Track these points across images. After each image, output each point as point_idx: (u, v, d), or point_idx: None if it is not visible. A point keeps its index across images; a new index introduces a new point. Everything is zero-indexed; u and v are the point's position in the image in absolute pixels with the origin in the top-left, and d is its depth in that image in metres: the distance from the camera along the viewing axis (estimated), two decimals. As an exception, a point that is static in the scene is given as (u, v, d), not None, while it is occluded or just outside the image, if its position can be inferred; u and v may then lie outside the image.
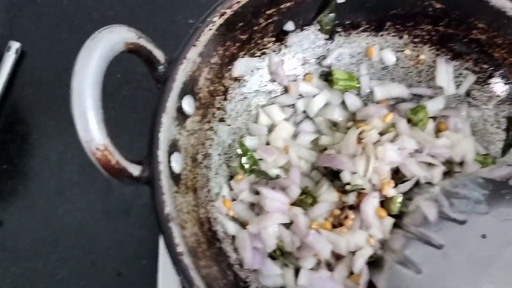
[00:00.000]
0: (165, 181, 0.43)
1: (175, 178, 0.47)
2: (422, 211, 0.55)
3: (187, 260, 0.41)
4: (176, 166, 0.47)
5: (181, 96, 0.48)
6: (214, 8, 0.50)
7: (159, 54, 0.46)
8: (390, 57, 0.64)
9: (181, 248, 0.41)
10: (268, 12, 0.56)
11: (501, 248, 0.49)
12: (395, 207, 0.56)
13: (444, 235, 0.53)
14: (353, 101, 0.63)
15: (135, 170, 0.42)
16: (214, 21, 0.50)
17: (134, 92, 0.83)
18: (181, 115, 0.49)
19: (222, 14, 0.50)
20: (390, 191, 0.56)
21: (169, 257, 0.42)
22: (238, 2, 0.51)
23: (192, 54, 0.48)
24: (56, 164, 0.79)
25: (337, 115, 0.62)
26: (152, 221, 0.73)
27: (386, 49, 0.64)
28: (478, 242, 0.51)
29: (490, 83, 0.62)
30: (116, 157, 0.40)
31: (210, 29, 0.50)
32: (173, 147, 0.47)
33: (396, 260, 0.53)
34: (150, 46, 0.45)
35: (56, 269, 0.73)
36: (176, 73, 0.46)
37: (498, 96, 0.62)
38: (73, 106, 0.38)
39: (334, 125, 0.63)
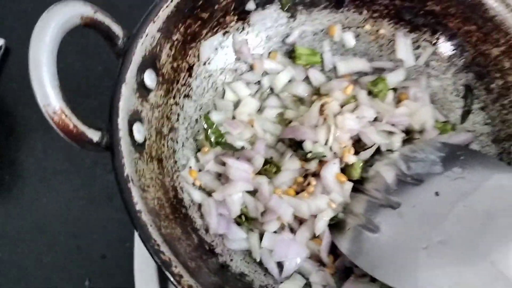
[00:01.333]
0: (124, 146, 0.46)
1: (137, 146, 0.49)
2: (381, 175, 0.57)
3: (145, 217, 0.44)
4: (139, 136, 0.49)
5: (141, 69, 0.50)
6: (172, -15, 0.53)
7: (117, 29, 0.49)
8: (350, 40, 0.67)
9: (139, 206, 0.44)
10: (228, -10, 0.59)
11: (453, 204, 0.51)
12: (356, 173, 0.58)
13: (401, 196, 0.55)
14: (317, 76, 0.66)
15: (94, 135, 0.45)
16: (172, -2, 0.53)
17: (96, 64, 0.86)
18: (143, 89, 0.51)
19: (180, -9, 0.53)
20: (350, 158, 0.58)
21: (128, 215, 0.44)
22: (195, -20, 0.54)
23: (151, 29, 0.51)
24: (41, 154, 0.82)
25: (302, 90, 0.65)
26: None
27: (347, 32, 0.67)
28: (432, 200, 0.53)
29: (447, 53, 0.64)
30: (74, 122, 0.43)
31: (168, 6, 0.52)
32: (135, 117, 0.49)
33: (357, 223, 0.55)
34: (107, 20, 0.47)
35: (42, 254, 0.75)
36: (135, 47, 0.49)
37: (456, 65, 0.64)
38: (31, 73, 0.41)
39: (299, 99, 0.66)
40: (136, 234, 0.65)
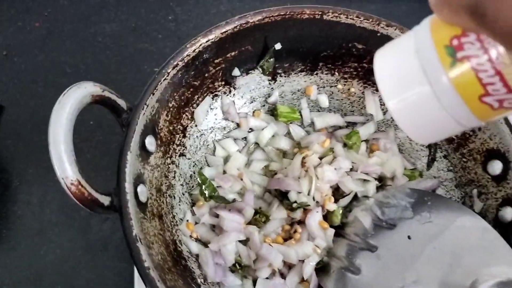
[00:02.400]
0: (132, 208, 0.51)
1: (142, 206, 0.54)
2: (359, 220, 0.64)
3: (153, 273, 0.49)
4: (142, 196, 0.55)
5: (143, 136, 0.56)
6: (168, 61, 0.60)
7: (122, 103, 0.55)
8: (324, 101, 0.75)
9: (147, 263, 0.49)
10: (216, 61, 0.66)
11: (423, 246, 0.58)
12: (337, 219, 0.65)
13: (378, 239, 0.62)
14: (297, 131, 0.73)
15: (105, 200, 0.50)
16: (169, 72, 0.59)
17: (106, 136, 0.91)
18: (145, 153, 0.57)
19: (175, 66, 0.60)
20: (331, 205, 0.65)
21: (138, 272, 0.49)
22: (188, 55, 0.61)
23: (151, 101, 0.57)
24: (37, 207, 0.85)
25: (284, 144, 0.72)
26: (128, 253, 0.80)
27: (321, 94, 0.75)
28: (405, 243, 0.60)
29: (411, 108, 0.73)
30: (88, 190, 0.48)
31: (165, 79, 0.59)
32: (139, 180, 0.55)
33: (340, 265, 0.61)
34: (113, 96, 0.54)
35: (40, 307, 0.78)
36: (137, 117, 0.55)
37: (419, 118, 0.72)
38: (51, 151, 0.47)
39: (282, 152, 0.73)
40: (135, 282, 0.69)
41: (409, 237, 0.60)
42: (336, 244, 0.64)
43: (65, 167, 0.46)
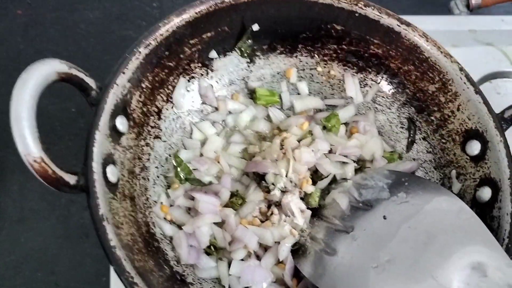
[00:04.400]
0: (99, 188, 0.50)
1: (111, 186, 0.54)
2: (336, 202, 0.63)
3: (119, 252, 0.48)
4: (112, 177, 0.54)
5: (113, 116, 0.55)
6: (140, 39, 0.59)
7: (90, 81, 0.54)
8: (304, 88, 0.74)
9: (114, 242, 0.48)
10: (192, 41, 0.65)
11: (398, 226, 0.58)
12: (314, 201, 0.64)
13: (354, 221, 0.61)
14: (276, 114, 0.72)
15: (71, 179, 0.50)
16: (140, 51, 0.58)
17: (88, 124, 0.89)
18: (116, 133, 0.56)
19: (147, 45, 0.59)
20: (308, 187, 0.64)
21: (104, 251, 0.48)
22: (161, 34, 0.60)
23: (121, 81, 0.56)
24: (17, 195, 0.85)
25: (263, 127, 0.71)
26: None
27: (301, 81, 0.74)
28: (380, 223, 0.59)
29: (391, 90, 0.72)
30: (53, 168, 0.47)
31: (137, 58, 0.58)
32: (108, 160, 0.54)
33: (317, 248, 0.61)
34: (81, 75, 0.53)
35: (21, 292, 0.78)
36: (106, 96, 0.54)
37: (399, 100, 0.72)
38: (12, 127, 0.46)
39: (261, 135, 0.72)
40: (112, 269, 0.68)
41: (384, 217, 0.59)
42: (314, 226, 0.63)
43: (27, 144, 0.45)
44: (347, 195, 0.63)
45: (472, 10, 0.99)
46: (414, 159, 0.70)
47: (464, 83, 0.63)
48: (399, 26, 0.66)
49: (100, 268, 0.80)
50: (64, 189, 0.50)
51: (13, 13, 1.00)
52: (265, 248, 0.62)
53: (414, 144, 0.70)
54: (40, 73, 0.48)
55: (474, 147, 0.62)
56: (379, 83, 0.72)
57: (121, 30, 1.02)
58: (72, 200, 0.85)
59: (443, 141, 0.67)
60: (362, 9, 0.66)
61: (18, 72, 0.94)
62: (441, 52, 0.65)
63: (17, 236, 0.82)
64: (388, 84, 0.72)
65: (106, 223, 0.49)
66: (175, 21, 0.61)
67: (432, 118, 0.68)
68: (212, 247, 0.61)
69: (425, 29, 0.66)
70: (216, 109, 0.71)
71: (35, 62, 0.49)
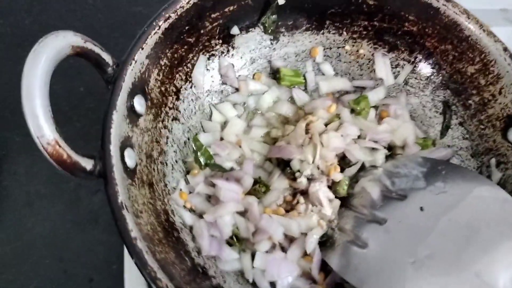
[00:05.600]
0: (117, 173, 0.46)
1: (129, 172, 0.49)
2: (366, 191, 0.59)
3: (140, 244, 0.44)
4: (130, 161, 0.50)
5: (131, 95, 0.51)
6: (159, 12, 0.54)
7: (107, 57, 0.49)
8: (329, 70, 0.70)
9: (134, 233, 0.44)
10: (213, 15, 0.60)
11: (437, 218, 0.53)
12: (343, 190, 0.60)
13: (387, 211, 0.57)
14: (300, 96, 0.68)
15: (87, 164, 0.45)
16: (160, 25, 0.54)
17: (97, 104, 0.86)
18: (133, 114, 0.52)
19: (167, 18, 0.54)
20: (336, 175, 0.60)
21: (124, 242, 0.44)
22: (181, 6, 0.55)
23: (140, 56, 0.52)
24: (24, 178, 0.81)
25: (286, 109, 0.67)
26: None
27: (325, 63, 0.69)
28: (417, 215, 0.55)
29: (425, 71, 0.67)
30: (68, 152, 0.43)
31: (156, 33, 0.53)
32: (126, 143, 0.50)
33: (346, 239, 0.57)
34: (97, 49, 0.48)
35: (28, 279, 0.74)
36: (124, 73, 0.50)
37: (433, 82, 0.67)
38: (24, 105, 0.41)
39: (284, 118, 0.67)
40: (125, 257, 0.65)
41: (421, 209, 0.55)
42: (342, 217, 0.59)
43: (40, 125, 0.41)
44: (378, 184, 0.59)
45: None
46: (448, 146, 0.65)
47: (509, 64, 0.58)
48: (437, 1, 0.61)
49: (111, 256, 0.76)
50: (79, 175, 0.46)
51: (17, -13, 0.95)
52: (290, 240, 0.58)
53: (449, 129, 0.66)
54: (54, 47, 0.43)
55: (517, 134, 0.58)
56: (412, 63, 0.68)
57: (130, 5, 0.97)
58: (81, 184, 0.81)
59: (482, 126, 0.62)
60: (399, -18, 0.60)
61: (23, 49, 0.89)
62: (484, 30, 0.60)
63: (24, 221, 0.78)
64: (423, 65, 0.67)
65: (126, 212, 0.45)
66: (197, -7, 0.56)
67: (470, 102, 0.63)
68: (234, 238, 0.58)
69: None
70: (237, 90, 0.67)
71: (48, 34, 0.44)
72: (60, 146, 0.43)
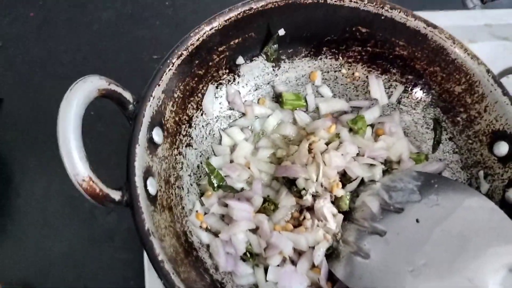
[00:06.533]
0: (143, 202, 0.51)
1: (152, 199, 0.54)
2: (367, 205, 0.64)
3: (167, 266, 0.49)
4: (152, 189, 0.55)
5: (150, 128, 0.56)
6: (173, 50, 0.59)
7: (128, 95, 0.54)
8: (327, 92, 0.75)
9: (161, 257, 0.49)
10: (220, 49, 0.65)
11: (432, 229, 0.59)
12: (345, 204, 0.65)
13: (386, 223, 0.62)
14: (302, 117, 0.73)
15: (116, 195, 0.50)
16: (174, 62, 0.58)
17: (107, 127, 0.90)
18: (152, 145, 0.57)
19: (180, 56, 0.59)
20: (339, 191, 0.65)
21: (152, 265, 0.49)
22: (192, 44, 0.60)
23: (157, 92, 0.56)
24: (41, 199, 0.85)
25: (290, 130, 0.72)
26: (135, 244, 0.80)
27: (323, 86, 0.75)
28: (413, 227, 0.60)
29: (416, 91, 0.73)
30: (100, 186, 0.48)
31: (170, 69, 0.58)
32: (148, 173, 0.54)
33: (350, 251, 0.62)
34: (119, 89, 0.53)
35: (50, 298, 0.79)
36: (144, 109, 0.54)
37: (424, 101, 0.72)
38: (61, 148, 0.46)
39: (288, 139, 0.72)
40: (146, 277, 0.69)
41: (417, 221, 0.61)
42: (345, 230, 0.64)
43: (76, 164, 0.46)
44: (377, 198, 0.64)
45: (485, 2, 0.99)
46: (440, 160, 0.71)
47: (492, 84, 0.63)
48: (425, 28, 0.66)
49: (127, 272, 0.80)
50: (109, 205, 0.50)
51: (25, 16, 0.99)
52: (299, 253, 0.63)
53: (440, 144, 0.71)
54: (83, 92, 0.48)
55: (502, 148, 0.63)
56: (404, 84, 0.73)
57: (134, 30, 1.01)
58: (95, 204, 0.85)
59: (470, 141, 0.68)
60: (388, 11, 0.66)
61: (33, 76, 0.94)
62: (468, 54, 0.65)
63: (43, 241, 0.82)
64: (413, 85, 0.72)
65: (153, 238, 0.50)
66: (205, 30, 0.61)
67: (458, 119, 0.69)
68: (248, 254, 0.62)
69: (441, 25, 0.66)
70: (244, 114, 0.72)
71: (77, 80, 0.49)
72: (93, 181, 0.47)
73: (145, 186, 0.53)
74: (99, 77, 0.51)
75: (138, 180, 0.51)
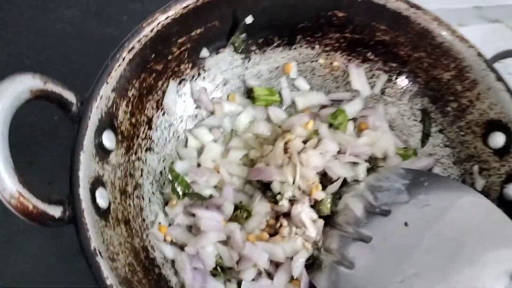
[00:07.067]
0: (88, 217, 0.44)
1: (102, 213, 0.48)
2: (350, 208, 0.58)
3: (118, 291, 0.42)
4: (102, 202, 0.48)
5: (99, 132, 0.49)
6: (122, 44, 0.52)
7: (70, 96, 0.48)
8: (304, 85, 0.69)
9: (110, 280, 0.43)
10: (180, 40, 0.59)
11: (422, 234, 0.52)
12: (326, 209, 0.59)
13: (371, 228, 0.56)
14: (277, 113, 0.66)
15: (56, 211, 0.44)
16: (124, 57, 0.52)
17: (71, 132, 0.83)
18: (103, 151, 0.50)
19: (131, 49, 0.53)
20: (318, 194, 0.59)
21: (99, 290, 0.43)
22: (145, 35, 0.54)
23: (105, 91, 0.50)
24: (1, 215, 0.78)
25: (263, 129, 0.65)
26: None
27: (299, 78, 0.68)
28: (402, 231, 0.54)
29: (401, 80, 0.66)
30: (33, 202, 0.41)
31: (120, 65, 0.52)
32: (97, 183, 0.48)
33: (333, 260, 0.55)
34: (58, 89, 0.46)
35: (12, 320, 0.72)
36: (90, 111, 0.48)
37: (410, 90, 0.66)
38: (-18, 160, 0.39)
39: (262, 138, 0.66)
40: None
41: (406, 224, 0.54)
42: (327, 236, 0.58)
43: (2, 178, 0.39)
44: (362, 200, 0.58)
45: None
46: (430, 155, 0.65)
47: (483, 69, 0.57)
48: (407, 9, 0.60)
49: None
50: (48, 224, 0.44)
51: (-18, 17, 0.93)
52: (276, 265, 0.57)
53: (430, 138, 0.65)
54: (10, 95, 0.41)
55: (498, 140, 0.57)
56: (387, 72, 0.66)
57: (100, 28, 0.95)
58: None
59: (462, 133, 0.62)
60: (365, -7, 0.59)
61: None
62: (456, 36, 0.59)
63: (5, 258, 0.76)
64: (398, 74, 0.66)
65: (100, 258, 0.43)
66: (160, 20, 0.54)
67: (448, 108, 0.63)
68: (218, 268, 0.56)
69: (428, 8, 0.60)
70: (212, 113, 0.65)
71: (3, 80, 0.42)
72: (24, 197, 0.41)
73: (93, 198, 0.47)
74: (31, 75, 0.44)
75: (83, 192, 0.45)
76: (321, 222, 0.58)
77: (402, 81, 0.66)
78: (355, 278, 0.53)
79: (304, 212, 0.57)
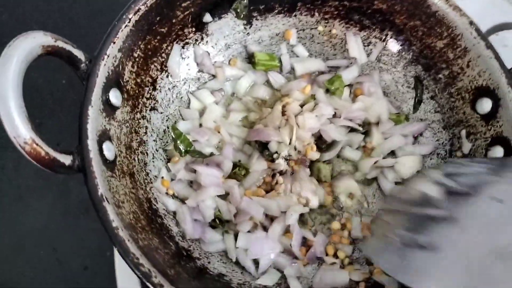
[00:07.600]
0: (96, 166, 0.48)
1: (109, 164, 0.51)
2: (425, 193, 0.55)
3: (122, 233, 0.46)
4: (109, 154, 0.51)
5: (106, 89, 0.52)
6: (129, 5, 0.55)
7: (79, 53, 0.50)
8: (302, 51, 0.71)
9: (116, 223, 0.46)
10: (184, 4, 0.61)
11: None
12: (327, 174, 0.63)
13: (455, 209, 0.52)
14: (276, 78, 0.69)
15: (66, 159, 0.47)
16: (130, 18, 0.54)
17: (80, 95, 0.86)
18: (110, 107, 0.53)
19: (137, 11, 0.55)
20: (313, 154, 0.62)
21: (106, 232, 0.46)
22: (151, -3, 0.56)
23: (112, 51, 0.53)
24: (12, 173, 0.82)
25: (263, 93, 0.68)
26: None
27: (298, 45, 0.70)
28: (494, 208, 0.50)
29: (396, 48, 0.68)
30: (45, 149, 0.45)
31: (126, 26, 0.54)
32: (104, 137, 0.51)
33: (403, 243, 0.51)
34: (68, 47, 0.49)
35: (23, 271, 0.76)
36: (97, 69, 0.51)
37: (405, 58, 0.68)
38: (-1, 108, 0.43)
39: (262, 102, 0.69)
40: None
41: (499, 201, 0.50)
42: (392, 216, 0.56)
43: (16, 125, 0.43)
44: (440, 185, 0.55)
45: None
46: (421, 120, 0.67)
47: (474, 37, 0.59)
48: (404, -22, 0.62)
49: (103, 243, 0.78)
50: (59, 171, 0.47)
51: (-9, -19, 0.94)
52: (271, 218, 0.60)
53: (422, 104, 0.68)
54: (24, 48, 0.44)
55: (485, 105, 0.59)
56: (383, 40, 0.69)
57: (107, -6, 0.96)
58: (69, 175, 0.82)
59: (452, 99, 0.64)
60: (365, -40, 0.61)
61: (2, 47, 0.90)
62: (450, 5, 0.61)
63: (15, 215, 0.80)
64: (393, 42, 0.68)
65: (106, 204, 0.47)
66: (165, -17, 0.56)
67: (440, 76, 0.65)
68: (217, 220, 0.60)
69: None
70: (214, 76, 0.68)
71: (18, 36, 0.45)
72: (37, 144, 0.44)
73: (100, 150, 0.50)
74: (43, 32, 0.47)
75: (91, 143, 0.48)
76: (321, 190, 0.61)
77: (398, 49, 0.68)
78: (443, 261, 0.48)
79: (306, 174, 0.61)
